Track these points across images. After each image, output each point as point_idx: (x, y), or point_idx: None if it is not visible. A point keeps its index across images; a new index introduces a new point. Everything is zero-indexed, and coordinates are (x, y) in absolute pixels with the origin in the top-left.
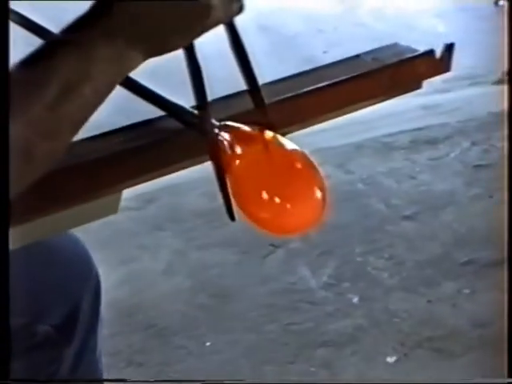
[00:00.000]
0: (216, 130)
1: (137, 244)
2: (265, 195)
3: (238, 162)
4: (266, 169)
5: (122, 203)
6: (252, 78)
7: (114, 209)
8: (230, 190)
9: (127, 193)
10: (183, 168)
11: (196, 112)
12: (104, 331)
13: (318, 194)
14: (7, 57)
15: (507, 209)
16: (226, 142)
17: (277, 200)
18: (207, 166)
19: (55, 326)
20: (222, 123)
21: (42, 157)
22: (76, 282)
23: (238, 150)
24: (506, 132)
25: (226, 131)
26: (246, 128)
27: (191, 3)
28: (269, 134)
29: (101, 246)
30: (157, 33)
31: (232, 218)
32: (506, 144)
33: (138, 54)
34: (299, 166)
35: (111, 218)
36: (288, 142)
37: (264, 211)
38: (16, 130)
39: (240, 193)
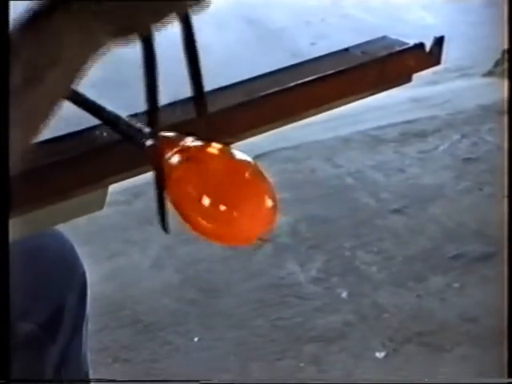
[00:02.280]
0: (151, 141)
1: (124, 238)
2: (208, 202)
3: (181, 172)
4: (211, 178)
5: (110, 197)
6: (198, 83)
7: (99, 205)
8: (169, 201)
9: (114, 187)
10: None
11: (130, 122)
12: (90, 326)
13: (268, 202)
14: (7, 57)
15: (507, 204)
16: (167, 153)
17: (222, 208)
18: None
19: (39, 324)
20: (160, 134)
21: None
22: (61, 280)
23: (179, 160)
24: (497, 126)
25: (165, 141)
26: (188, 138)
27: None
28: (215, 145)
29: (88, 240)
30: (124, 11)
31: (166, 229)
32: (496, 137)
33: (106, 34)
34: (247, 175)
35: (98, 212)
36: (237, 153)
37: (208, 220)
38: None
39: (182, 203)
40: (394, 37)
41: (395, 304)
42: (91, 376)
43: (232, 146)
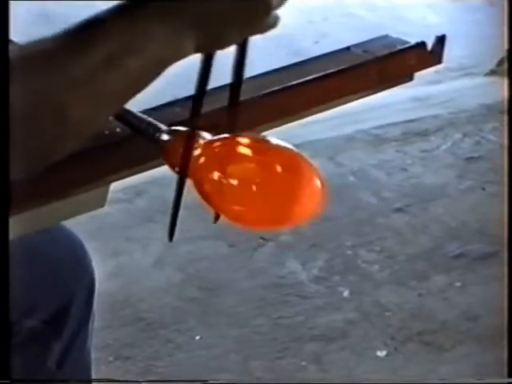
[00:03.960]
0: (168, 136)
1: (126, 236)
2: (254, 188)
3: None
4: (256, 170)
5: (111, 195)
6: (240, 75)
7: (101, 202)
8: (198, 194)
9: (116, 185)
10: None
11: (145, 117)
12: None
13: (318, 183)
14: (7, 56)
15: (507, 203)
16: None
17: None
18: None
19: (44, 320)
20: (178, 128)
21: (77, 121)
22: (69, 277)
23: (206, 152)
24: (500, 125)
25: (185, 137)
26: (206, 134)
27: None
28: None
29: (90, 238)
30: (213, 23)
31: (171, 238)
32: (498, 136)
33: (191, 42)
34: (294, 159)
35: (100, 210)
36: (273, 139)
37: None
38: (51, 90)
39: (217, 194)
40: (395, 36)
41: (397, 303)
42: (93, 373)
43: None
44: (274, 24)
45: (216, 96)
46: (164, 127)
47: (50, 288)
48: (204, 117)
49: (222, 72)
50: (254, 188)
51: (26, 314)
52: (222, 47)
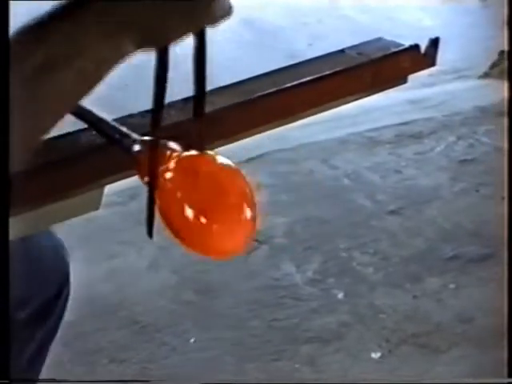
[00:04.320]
0: (139, 147)
1: (120, 240)
2: (190, 214)
3: (168, 182)
4: (195, 190)
5: (106, 199)
6: (202, 84)
7: (96, 205)
8: (157, 208)
9: (110, 188)
10: None
11: (117, 126)
12: (87, 327)
13: (248, 213)
14: (7, 56)
15: (507, 205)
16: (157, 160)
17: (203, 220)
18: None
19: (31, 314)
20: (148, 138)
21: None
22: (54, 272)
23: (168, 169)
24: (494, 128)
25: (153, 147)
26: (174, 145)
27: None
28: (202, 153)
29: (85, 241)
30: (153, 18)
31: (150, 235)
32: (492, 138)
33: (131, 39)
34: (229, 185)
35: (95, 213)
36: (221, 158)
37: (189, 231)
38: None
39: (168, 213)
40: (389, 38)
41: (391, 305)
42: (88, 377)
43: (227, 146)
44: (226, 13)
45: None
46: (137, 137)
47: (38, 282)
48: (175, 126)
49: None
50: (204, 221)
51: (17, 308)
52: (166, 42)
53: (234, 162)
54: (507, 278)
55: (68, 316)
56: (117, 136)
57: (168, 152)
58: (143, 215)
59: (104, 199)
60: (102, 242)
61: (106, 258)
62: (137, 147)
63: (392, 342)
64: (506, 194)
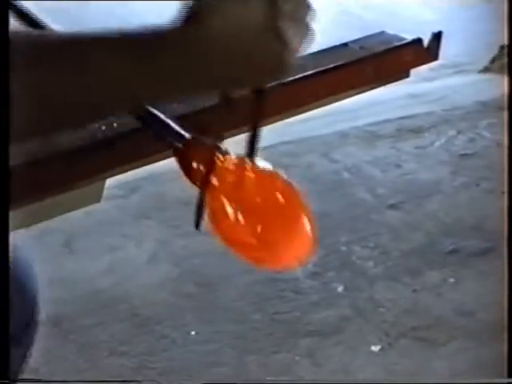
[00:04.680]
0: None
1: (121, 233)
2: (258, 229)
3: (221, 189)
4: (249, 199)
5: (107, 192)
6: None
7: (97, 198)
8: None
9: (111, 181)
10: (167, 157)
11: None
12: (87, 320)
13: (308, 227)
14: (7, 55)
15: (507, 199)
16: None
17: (259, 229)
18: None
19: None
20: (196, 138)
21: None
22: (34, 285)
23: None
24: (494, 122)
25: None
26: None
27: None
28: (250, 160)
29: (85, 234)
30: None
31: (197, 226)
32: (493, 133)
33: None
34: (284, 197)
35: (95, 206)
36: (282, 176)
37: (249, 242)
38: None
39: (220, 220)
40: (392, 32)
41: (391, 298)
42: (88, 370)
43: (228, 140)
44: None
45: None
46: (186, 135)
47: (23, 296)
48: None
49: None
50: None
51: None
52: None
53: (234, 155)
54: (507, 272)
55: (68, 309)
56: (165, 131)
57: (218, 156)
58: (144, 208)
59: (105, 192)
60: (102, 235)
61: (106, 251)
62: (181, 145)
63: (392, 335)
64: (506, 188)
